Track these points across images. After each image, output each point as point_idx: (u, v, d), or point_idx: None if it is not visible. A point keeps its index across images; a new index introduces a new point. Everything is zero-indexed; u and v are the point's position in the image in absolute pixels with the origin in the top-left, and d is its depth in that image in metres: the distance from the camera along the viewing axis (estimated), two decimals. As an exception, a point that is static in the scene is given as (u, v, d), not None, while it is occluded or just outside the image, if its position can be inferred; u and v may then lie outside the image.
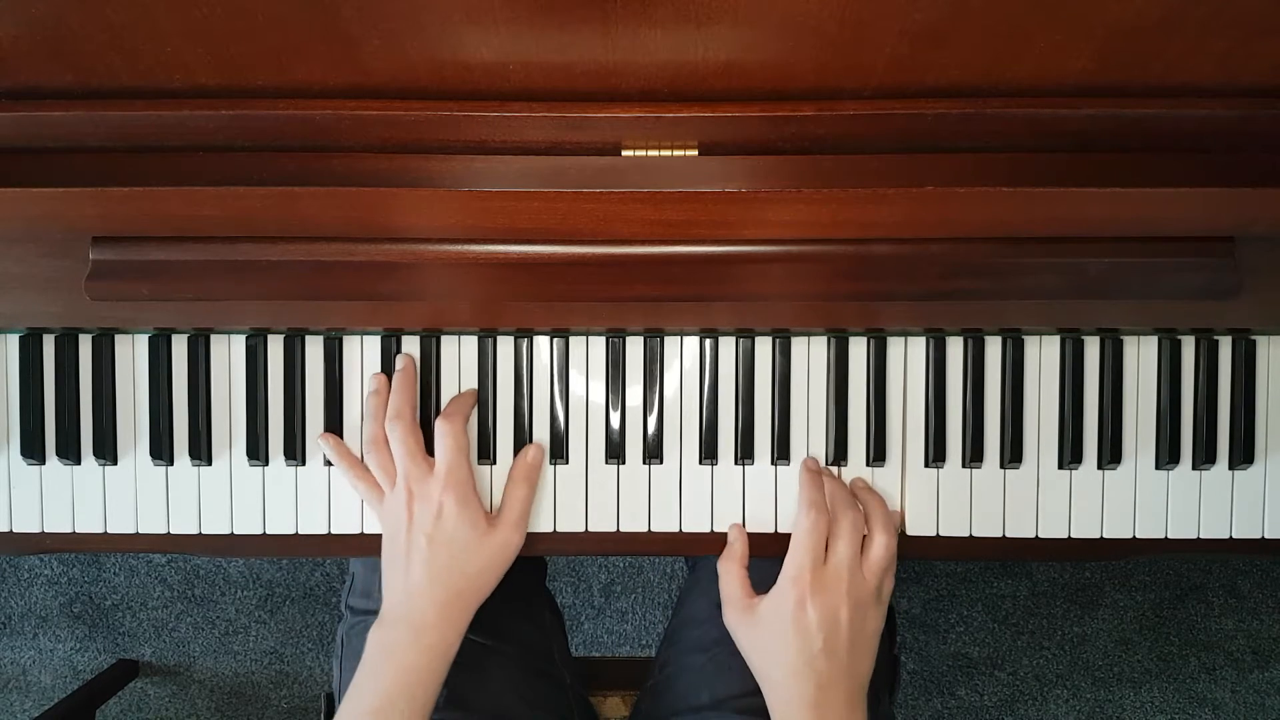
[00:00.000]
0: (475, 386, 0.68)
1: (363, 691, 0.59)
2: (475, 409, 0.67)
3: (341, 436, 0.67)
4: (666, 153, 0.57)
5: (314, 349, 0.68)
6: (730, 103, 0.54)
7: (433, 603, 0.60)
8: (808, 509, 0.62)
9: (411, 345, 0.68)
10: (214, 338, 0.67)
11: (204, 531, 0.68)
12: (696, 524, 0.68)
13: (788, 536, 0.68)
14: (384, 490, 0.64)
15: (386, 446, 0.64)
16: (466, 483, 0.63)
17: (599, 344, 0.68)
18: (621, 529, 0.68)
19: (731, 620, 0.64)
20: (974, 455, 0.67)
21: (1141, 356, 0.68)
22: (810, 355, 0.68)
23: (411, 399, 0.65)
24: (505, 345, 0.68)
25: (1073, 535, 0.68)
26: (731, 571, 0.65)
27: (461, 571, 0.61)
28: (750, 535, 0.68)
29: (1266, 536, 0.68)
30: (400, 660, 0.59)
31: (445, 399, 0.67)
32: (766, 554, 0.68)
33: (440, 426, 0.64)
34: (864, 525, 0.63)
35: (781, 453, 0.67)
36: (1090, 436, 0.68)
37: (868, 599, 0.61)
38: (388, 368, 0.67)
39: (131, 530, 0.68)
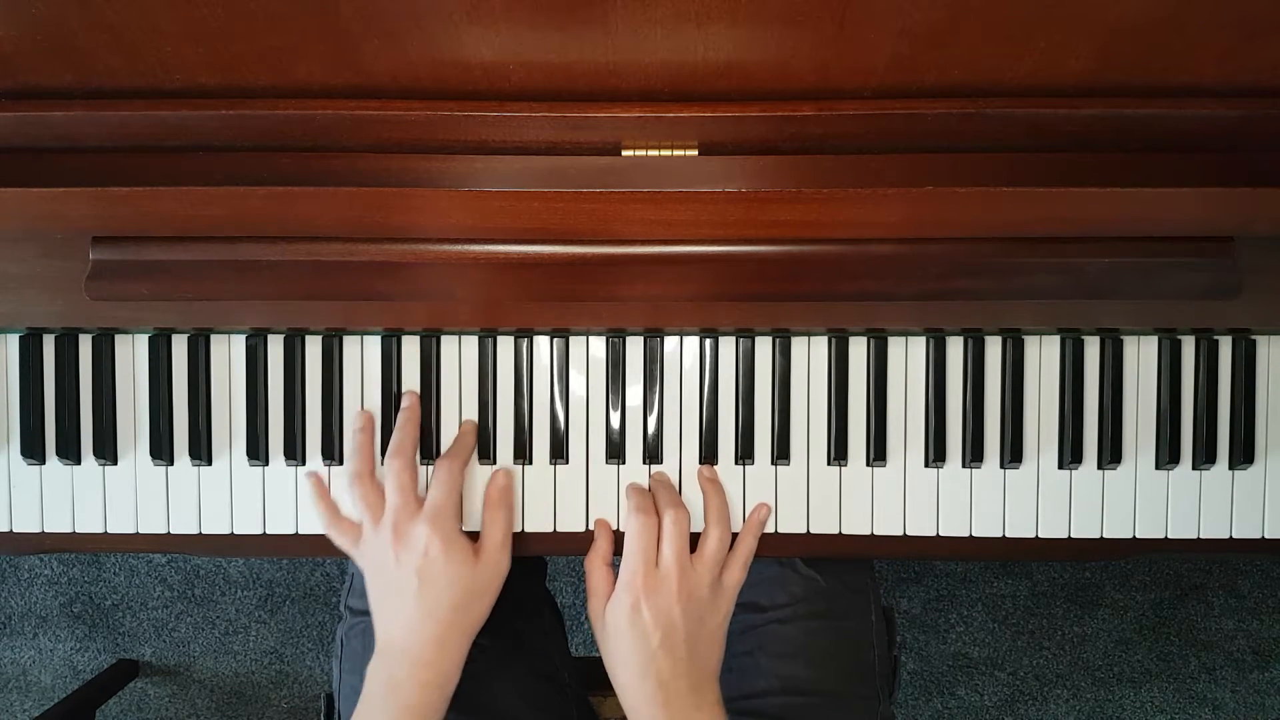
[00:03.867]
0: (476, 387, 0.68)
1: None
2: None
3: (341, 438, 0.67)
4: (667, 153, 0.57)
5: (314, 349, 0.68)
6: (730, 103, 0.54)
7: (429, 639, 0.60)
8: (633, 513, 0.63)
9: (411, 345, 0.68)
10: (214, 338, 0.67)
11: (204, 531, 0.68)
12: (696, 523, 0.68)
13: (788, 536, 0.68)
14: (363, 528, 0.64)
15: (373, 480, 0.64)
16: (453, 519, 0.63)
17: (599, 344, 0.68)
18: (622, 529, 0.68)
19: (592, 617, 0.65)
20: (974, 455, 0.67)
21: (1141, 356, 0.68)
22: (810, 355, 0.68)
23: (414, 437, 0.66)
24: (505, 345, 0.68)
25: (1073, 535, 0.68)
26: (594, 570, 0.65)
27: (454, 605, 0.61)
28: (750, 535, 0.68)
29: (1266, 536, 0.68)
30: (402, 699, 0.59)
31: (445, 399, 0.67)
32: (768, 554, 0.69)
33: (441, 464, 0.64)
34: (688, 523, 0.64)
35: (781, 453, 0.67)
36: (1090, 436, 0.68)
37: (702, 594, 0.62)
38: (388, 368, 0.67)
39: (131, 530, 0.68)
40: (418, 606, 0.60)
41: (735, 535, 0.66)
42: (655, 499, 0.65)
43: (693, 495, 0.68)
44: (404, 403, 0.67)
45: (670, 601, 0.61)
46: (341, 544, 0.65)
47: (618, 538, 0.67)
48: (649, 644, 0.60)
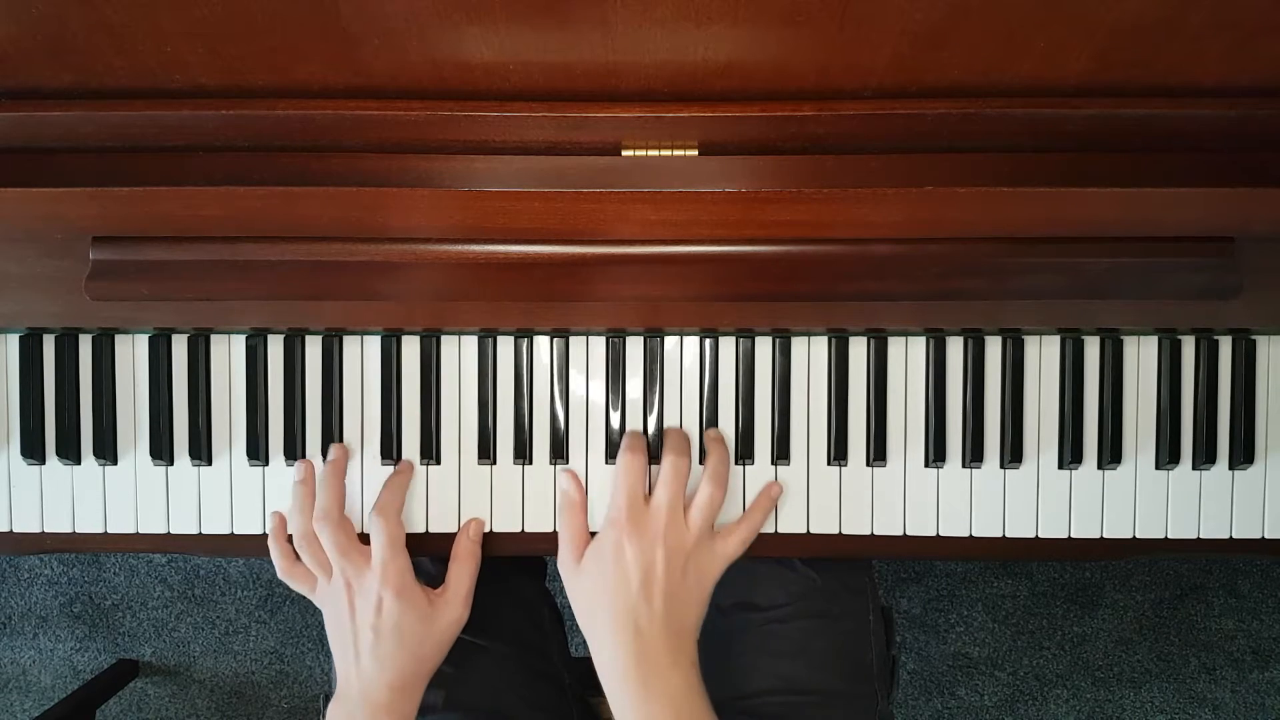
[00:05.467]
0: (476, 387, 0.68)
1: None
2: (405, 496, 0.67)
3: (341, 437, 0.67)
4: (666, 153, 0.57)
5: (314, 349, 0.68)
6: (730, 103, 0.54)
7: (386, 686, 0.61)
8: (624, 451, 0.63)
9: (411, 345, 0.68)
10: (214, 338, 0.67)
11: (204, 531, 0.68)
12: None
13: (787, 536, 0.68)
14: (318, 579, 0.64)
15: (317, 541, 0.64)
16: (404, 572, 0.62)
17: (599, 344, 0.68)
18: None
19: (564, 569, 0.64)
20: (974, 455, 0.67)
21: (1141, 356, 0.68)
22: (810, 355, 0.68)
23: (338, 495, 0.65)
24: (505, 345, 0.68)
25: (1073, 535, 0.68)
26: (569, 519, 0.65)
27: (410, 654, 0.62)
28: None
29: (1266, 536, 0.68)
30: None
31: (445, 399, 0.67)
32: (767, 554, 0.69)
33: (374, 521, 0.63)
34: (687, 472, 0.63)
35: (781, 453, 0.67)
36: (1090, 436, 0.68)
37: (687, 547, 0.61)
38: (388, 368, 0.67)
39: (131, 530, 0.68)
40: (374, 658, 0.61)
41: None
42: (665, 443, 0.64)
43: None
44: (331, 454, 0.66)
45: (654, 545, 0.60)
46: (300, 590, 0.65)
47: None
48: (629, 586, 0.59)
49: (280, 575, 0.65)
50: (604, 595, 0.60)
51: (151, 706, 1.40)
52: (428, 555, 0.67)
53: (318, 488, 0.65)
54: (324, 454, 0.67)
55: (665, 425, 0.67)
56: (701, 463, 0.66)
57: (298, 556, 0.65)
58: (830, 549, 0.68)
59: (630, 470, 0.62)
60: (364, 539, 0.65)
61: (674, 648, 0.59)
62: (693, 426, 0.68)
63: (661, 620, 0.59)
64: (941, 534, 0.68)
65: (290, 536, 0.65)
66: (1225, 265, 0.61)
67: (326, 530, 0.63)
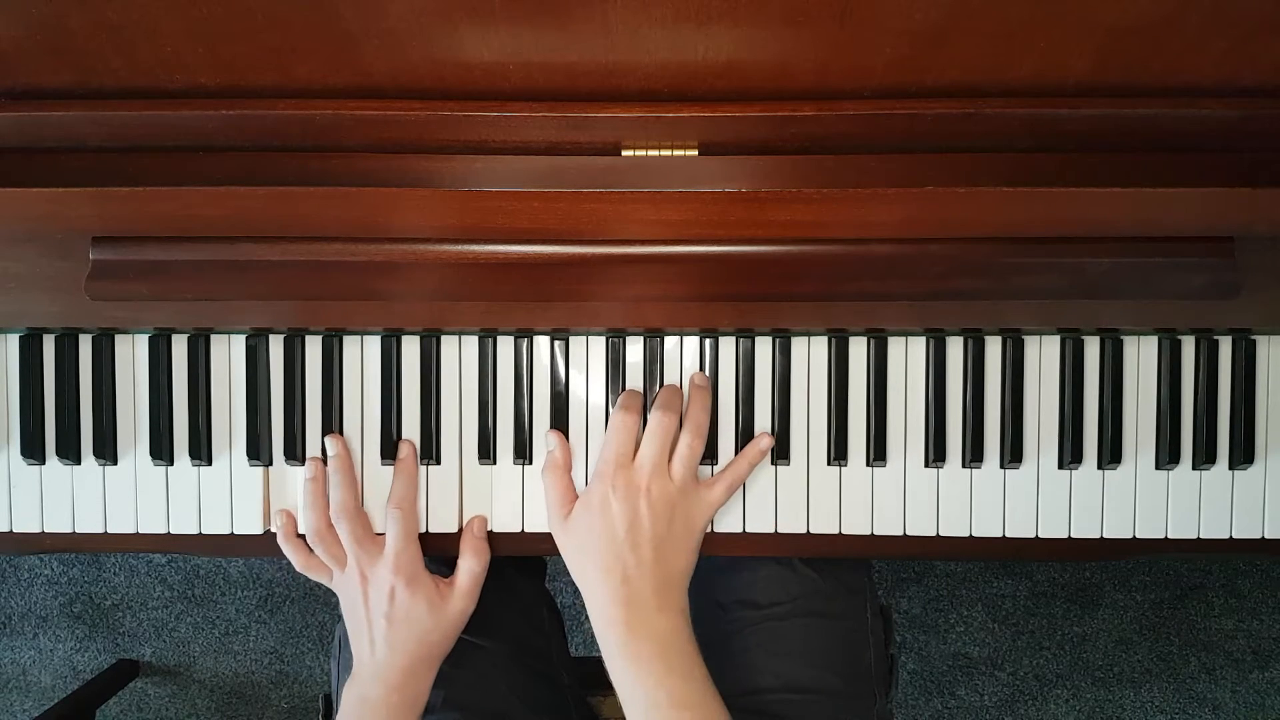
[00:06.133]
0: (476, 387, 0.68)
1: None
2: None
3: (341, 435, 0.67)
4: (667, 153, 0.57)
5: (314, 349, 0.68)
6: (730, 103, 0.54)
7: (398, 669, 0.64)
8: (618, 410, 0.65)
9: (411, 345, 0.68)
10: (214, 338, 0.67)
11: (204, 531, 0.68)
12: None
13: (787, 536, 0.68)
14: (333, 572, 0.66)
15: (331, 535, 0.66)
16: (415, 562, 0.65)
17: (599, 344, 0.68)
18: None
19: (554, 526, 0.66)
20: (974, 455, 0.67)
21: (1141, 356, 0.68)
22: (810, 355, 0.68)
23: (353, 488, 0.66)
24: (505, 345, 0.68)
25: (1073, 535, 0.68)
26: (554, 479, 0.66)
27: (420, 641, 0.64)
28: (750, 535, 0.68)
29: (1266, 536, 0.68)
30: (376, 715, 0.63)
31: (445, 399, 0.67)
32: (767, 553, 0.69)
33: (390, 513, 0.65)
34: (674, 429, 0.64)
35: (781, 452, 0.67)
36: (1090, 436, 0.68)
37: (671, 497, 0.63)
38: (388, 368, 0.67)
39: (131, 530, 0.68)
40: (386, 644, 0.64)
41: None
42: (656, 399, 0.66)
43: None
44: (330, 450, 0.67)
45: (639, 496, 0.62)
46: (318, 579, 0.67)
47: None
48: (615, 536, 0.61)
49: (299, 569, 0.67)
50: (591, 546, 0.62)
51: (151, 706, 1.40)
52: (428, 555, 0.67)
53: (330, 484, 0.66)
54: (324, 452, 0.67)
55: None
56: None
57: (310, 552, 0.66)
58: (830, 549, 0.68)
59: (621, 428, 0.64)
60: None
61: (662, 593, 0.61)
62: (693, 426, 0.68)
63: (650, 567, 0.61)
64: (941, 534, 0.68)
65: (302, 535, 0.67)
66: (1225, 265, 0.60)
67: (344, 523, 0.65)
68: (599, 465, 0.64)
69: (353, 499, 0.66)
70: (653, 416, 0.64)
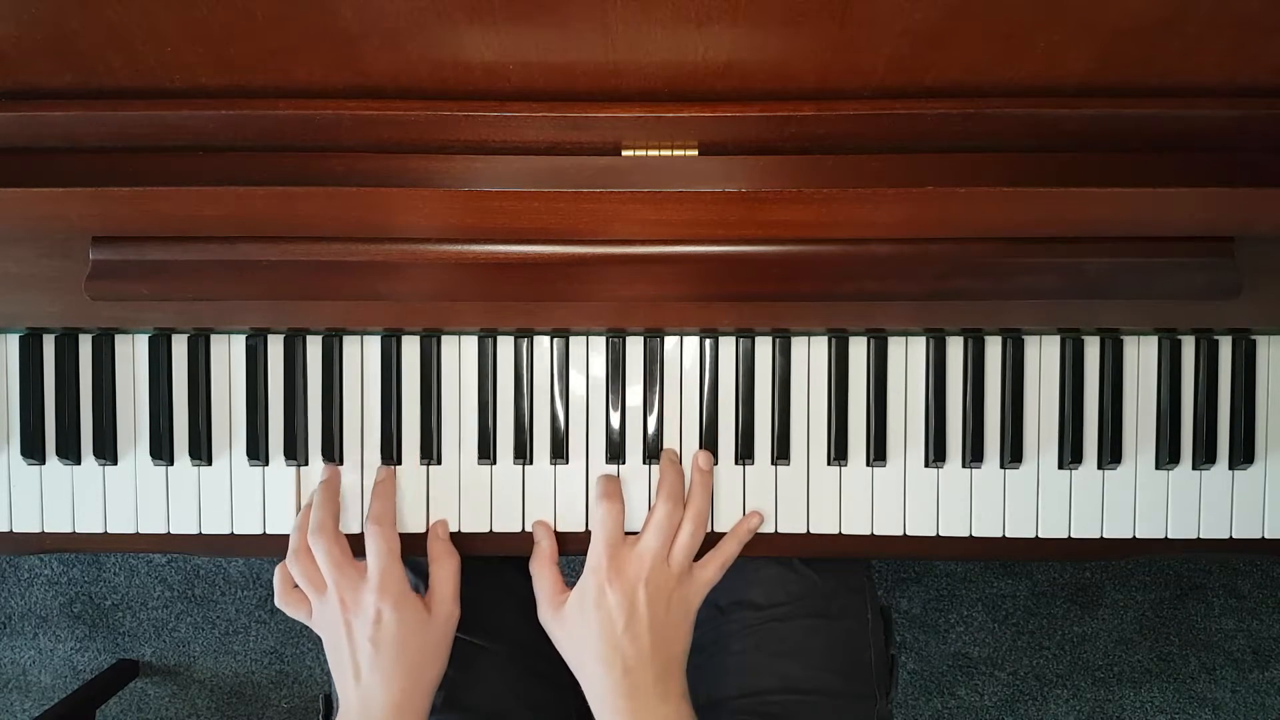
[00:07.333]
0: (476, 387, 0.68)
1: None
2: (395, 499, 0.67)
3: (341, 437, 0.67)
4: (666, 153, 0.57)
5: (314, 349, 0.68)
6: (730, 103, 0.54)
7: (389, 704, 0.60)
8: (601, 499, 0.64)
9: (411, 345, 0.68)
10: (214, 338, 0.67)
11: (204, 531, 0.68)
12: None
13: (787, 536, 0.68)
14: (311, 601, 0.64)
15: (309, 555, 0.63)
16: (400, 581, 0.62)
17: (599, 344, 0.68)
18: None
19: (545, 618, 0.65)
20: (974, 455, 0.67)
21: (1141, 356, 0.68)
22: (810, 355, 0.68)
23: (334, 510, 0.65)
24: (505, 345, 0.68)
25: (1073, 535, 0.68)
26: (542, 572, 0.65)
27: (411, 663, 0.61)
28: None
29: (1266, 536, 0.68)
30: None
31: (446, 399, 0.67)
32: (767, 554, 0.69)
33: (370, 530, 0.63)
34: (679, 522, 0.64)
35: (781, 453, 0.67)
36: (1090, 436, 0.68)
37: (668, 584, 0.62)
38: (388, 368, 0.67)
39: (131, 530, 0.68)
40: (374, 672, 0.60)
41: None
42: (659, 485, 0.65)
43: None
44: (324, 474, 0.66)
45: (636, 586, 0.61)
46: (297, 617, 0.64)
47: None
48: (614, 628, 0.60)
49: (277, 601, 0.65)
50: (589, 639, 0.61)
51: (151, 706, 1.40)
52: (426, 556, 0.67)
53: (314, 506, 0.65)
54: (324, 455, 0.67)
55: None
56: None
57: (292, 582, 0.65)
58: (830, 549, 0.68)
59: (607, 519, 0.63)
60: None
61: (662, 681, 0.60)
62: (693, 427, 0.68)
63: (649, 656, 0.60)
64: (941, 534, 0.68)
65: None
66: (1225, 265, 0.61)
67: (321, 544, 0.62)
68: (591, 559, 0.63)
69: (332, 520, 0.64)
70: (660, 508, 0.63)
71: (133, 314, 0.65)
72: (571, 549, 0.69)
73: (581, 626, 0.62)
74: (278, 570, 0.65)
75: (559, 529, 0.68)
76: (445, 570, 0.65)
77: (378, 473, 0.66)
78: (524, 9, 0.48)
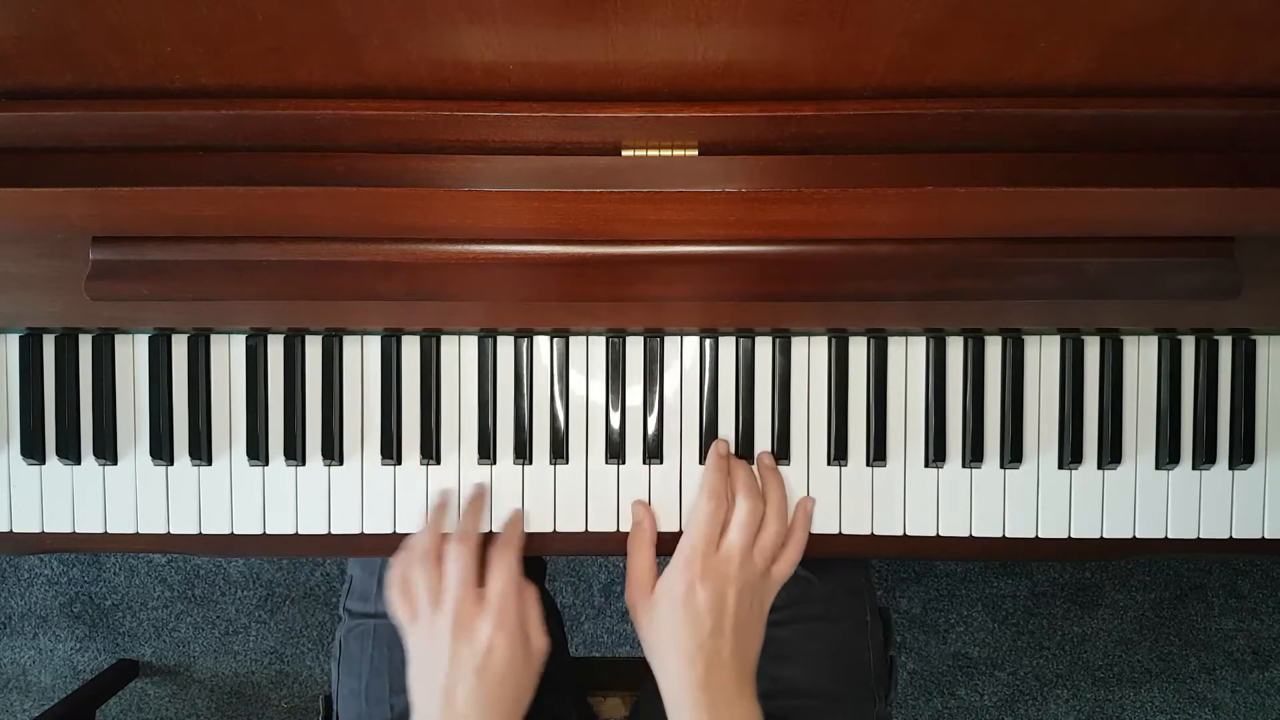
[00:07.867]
0: (476, 387, 0.68)
1: None
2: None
3: (341, 437, 0.67)
4: (667, 153, 0.57)
5: (314, 349, 0.68)
6: (730, 103, 0.54)
7: None
8: (708, 496, 0.63)
9: (411, 345, 0.68)
10: (214, 338, 0.67)
11: (204, 531, 0.68)
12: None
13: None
14: (419, 608, 0.62)
15: (438, 563, 0.62)
16: (518, 617, 0.61)
17: (599, 344, 0.68)
18: (622, 529, 0.68)
19: (634, 602, 0.64)
20: (974, 455, 0.67)
21: (1141, 356, 0.68)
22: (810, 355, 0.68)
23: (480, 522, 0.66)
24: (505, 345, 0.68)
25: (1073, 535, 0.68)
26: (641, 552, 0.65)
27: (510, 699, 0.60)
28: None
29: (1266, 536, 0.68)
30: None
31: (445, 399, 0.67)
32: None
33: (496, 558, 0.62)
34: (762, 515, 0.63)
35: (781, 453, 0.67)
36: (1090, 436, 0.68)
37: (755, 582, 0.62)
38: (388, 368, 0.67)
39: (131, 530, 0.68)
40: (473, 705, 0.58)
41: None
42: (733, 482, 0.65)
43: (694, 493, 0.68)
44: (473, 491, 0.67)
45: (726, 586, 0.61)
46: (397, 616, 0.63)
47: (561, 538, 0.67)
48: (702, 628, 0.60)
49: (389, 596, 0.63)
50: (676, 633, 0.60)
51: (151, 706, 1.40)
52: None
53: (465, 514, 0.65)
54: (324, 454, 0.67)
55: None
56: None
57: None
58: (830, 549, 0.68)
59: (712, 519, 0.62)
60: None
61: (741, 677, 0.60)
62: (693, 427, 0.68)
63: (731, 653, 0.60)
64: (941, 534, 0.68)
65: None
66: (1225, 265, 0.61)
67: (461, 555, 0.61)
68: (683, 552, 0.62)
69: (477, 534, 0.63)
70: (742, 504, 0.63)
71: (133, 314, 0.65)
72: (570, 549, 0.69)
73: (670, 619, 0.61)
74: (394, 567, 0.64)
75: (558, 529, 0.68)
76: (530, 599, 0.63)
77: (474, 489, 0.66)
78: (524, 9, 0.48)
